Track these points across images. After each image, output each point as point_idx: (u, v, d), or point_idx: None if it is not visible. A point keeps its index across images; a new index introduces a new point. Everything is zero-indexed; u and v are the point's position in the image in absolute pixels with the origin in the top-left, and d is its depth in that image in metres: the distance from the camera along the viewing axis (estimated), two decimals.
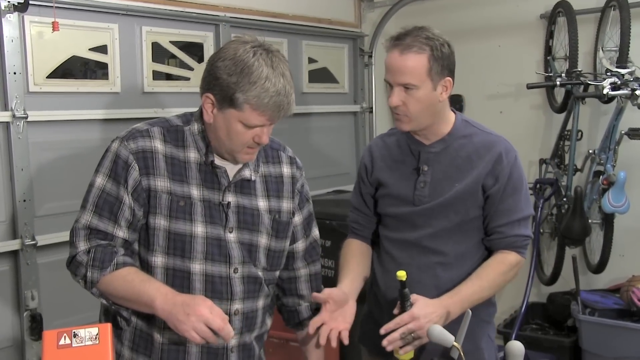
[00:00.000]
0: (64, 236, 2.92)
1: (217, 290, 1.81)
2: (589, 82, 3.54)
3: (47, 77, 2.90)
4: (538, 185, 3.89)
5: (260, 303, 1.92)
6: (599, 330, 3.42)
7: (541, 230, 3.94)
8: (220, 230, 1.81)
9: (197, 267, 1.79)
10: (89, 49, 3.05)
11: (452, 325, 1.84)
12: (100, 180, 1.77)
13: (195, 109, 3.59)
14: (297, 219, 1.99)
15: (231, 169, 1.84)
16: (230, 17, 3.65)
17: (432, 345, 1.86)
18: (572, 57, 3.79)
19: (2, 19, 2.71)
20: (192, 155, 1.81)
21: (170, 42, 3.41)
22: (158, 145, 1.78)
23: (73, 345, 1.50)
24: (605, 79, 3.39)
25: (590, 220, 3.67)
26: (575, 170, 3.87)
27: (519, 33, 4.29)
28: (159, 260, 1.78)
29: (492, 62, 4.30)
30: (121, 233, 1.77)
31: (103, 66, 3.14)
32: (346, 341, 1.89)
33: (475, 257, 2.07)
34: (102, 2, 3.04)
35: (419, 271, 2.03)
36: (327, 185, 4.26)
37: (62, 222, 2.96)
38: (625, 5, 3.53)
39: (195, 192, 1.79)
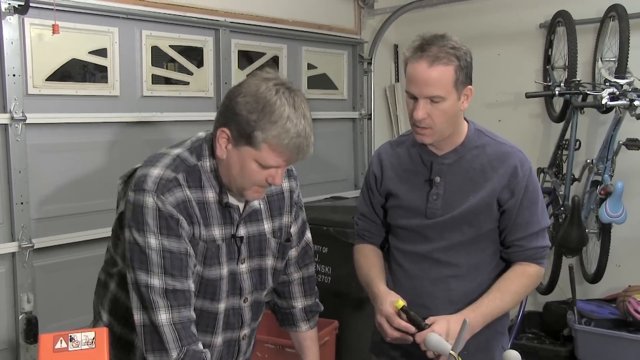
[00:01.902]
0: (61, 239, 2.95)
1: (230, 322, 1.84)
2: (588, 92, 3.55)
3: (46, 80, 2.90)
4: None
5: (260, 319, 1.98)
6: (594, 340, 3.43)
7: None
8: (234, 264, 1.81)
9: (222, 306, 1.81)
10: (89, 52, 3.05)
11: (472, 339, 1.85)
12: (154, 241, 1.66)
13: (194, 113, 3.59)
14: (293, 229, 2.00)
15: (241, 202, 1.82)
16: (230, 22, 3.65)
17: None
18: (571, 67, 3.80)
19: (2, 21, 2.70)
20: (211, 195, 1.75)
21: (169, 46, 3.41)
22: (188, 193, 1.71)
23: (69, 349, 1.50)
24: (603, 89, 3.40)
25: (587, 230, 3.68)
26: (573, 180, 3.88)
27: (518, 42, 4.31)
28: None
29: (491, 71, 4.30)
30: (192, 285, 1.72)
31: (102, 69, 3.14)
32: None
33: (489, 267, 2.04)
34: (102, 6, 3.04)
35: (431, 284, 2.01)
36: (324, 191, 4.26)
37: (59, 225, 2.96)
38: (624, 16, 3.55)
39: (217, 232, 1.76)
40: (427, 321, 1.87)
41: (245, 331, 1.89)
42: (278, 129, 1.62)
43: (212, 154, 1.75)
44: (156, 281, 1.66)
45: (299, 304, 2.06)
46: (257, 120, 1.62)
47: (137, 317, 1.69)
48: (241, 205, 1.81)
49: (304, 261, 2.07)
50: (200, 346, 1.71)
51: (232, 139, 1.67)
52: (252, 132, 1.63)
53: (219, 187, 1.76)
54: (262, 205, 1.87)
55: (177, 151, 1.76)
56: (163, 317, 1.65)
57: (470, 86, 1.92)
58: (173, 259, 1.67)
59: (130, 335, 1.83)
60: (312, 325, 2.08)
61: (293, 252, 2.02)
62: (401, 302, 1.88)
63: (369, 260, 2.12)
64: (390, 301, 1.91)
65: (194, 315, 1.72)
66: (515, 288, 1.98)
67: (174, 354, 1.65)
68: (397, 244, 2.11)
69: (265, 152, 1.65)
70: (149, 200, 1.65)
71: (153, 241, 1.66)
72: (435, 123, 1.89)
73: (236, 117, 1.65)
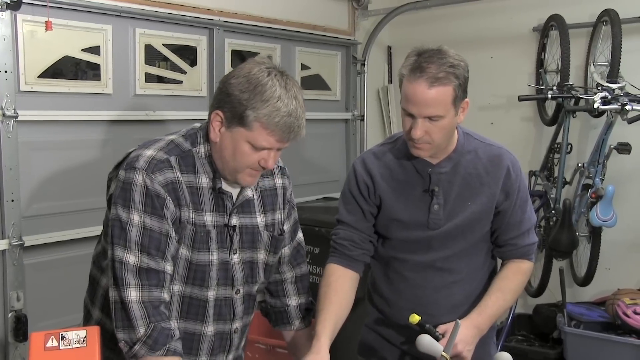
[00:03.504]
0: (51, 237, 2.94)
1: (222, 313, 1.85)
2: (580, 96, 3.57)
3: (38, 77, 2.88)
4: None
5: (253, 315, 1.97)
6: (583, 342, 3.45)
7: None
8: (226, 253, 1.82)
9: (211, 294, 1.81)
10: (82, 50, 3.04)
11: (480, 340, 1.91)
12: (137, 218, 1.68)
13: (187, 112, 3.59)
14: (286, 227, 2.00)
15: (234, 191, 1.83)
16: (224, 21, 3.65)
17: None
18: (564, 71, 3.82)
19: None
20: (204, 181, 1.77)
21: (163, 44, 3.40)
22: (179, 175, 1.73)
23: (60, 347, 1.50)
24: (596, 93, 3.42)
25: (577, 233, 3.69)
26: (564, 183, 3.89)
27: (511, 45, 4.32)
28: (176, 288, 1.77)
29: (484, 74, 4.30)
30: (169, 268, 1.72)
31: (95, 67, 3.12)
32: None
33: (484, 267, 2.07)
34: (96, 3, 3.02)
35: (434, 292, 2.01)
36: (316, 192, 4.26)
37: (50, 223, 2.95)
38: (616, 21, 3.57)
39: (209, 218, 1.78)
40: (439, 329, 1.88)
41: (237, 324, 1.89)
42: (269, 108, 1.64)
43: (207, 140, 1.77)
44: (131, 258, 1.67)
45: (293, 301, 2.04)
46: (249, 99, 1.65)
47: (111, 293, 1.70)
48: (235, 194, 1.82)
49: (297, 260, 2.06)
50: (171, 324, 1.71)
51: (225, 121, 1.69)
52: (244, 112, 1.66)
53: (212, 172, 1.78)
54: (255, 198, 1.88)
55: (171, 137, 1.79)
56: (132, 294, 1.66)
57: (467, 99, 1.91)
58: (152, 238, 1.68)
59: None
60: (307, 324, 2.06)
61: (286, 251, 2.02)
62: (417, 317, 1.88)
63: (327, 298, 1.96)
64: (316, 351, 1.82)
65: (167, 298, 1.72)
66: (514, 286, 2.03)
67: (142, 331, 1.66)
68: (395, 253, 2.06)
69: (257, 132, 1.67)
70: (139, 178, 1.68)
71: (136, 218, 1.68)
72: (433, 139, 1.88)
73: (229, 98, 1.68)
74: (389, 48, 4.90)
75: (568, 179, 3.93)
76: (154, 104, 3.34)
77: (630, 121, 3.35)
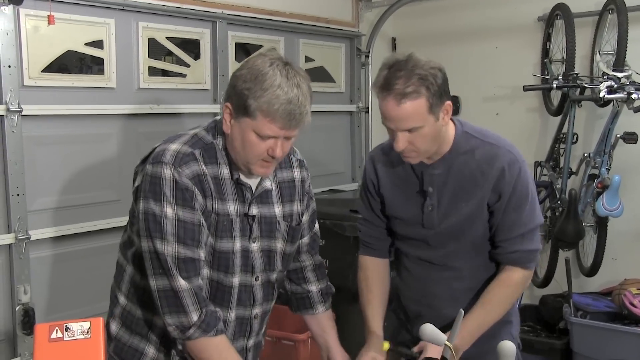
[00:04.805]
0: (57, 231, 2.95)
1: (242, 298, 1.90)
2: (586, 85, 3.54)
3: (42, 71, 2.89)
4: None
5: (273, 303, 2.03)
6: (590, 333, 3.44)
7: None
8: (246, 241, 1.88)
9: (236, 280, 1.87)
10: (85, 44, 3.04)
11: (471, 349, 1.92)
12: (170, 211, 1.73)
13: (191, 106, 3.60)
14: (305, 218, 2.05)
15: (253, 182, 1.88)
16: (228, 14, 3.64)
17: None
18: (569, 60, 3.79)
19: None
20: (225, 172, 1.83)
21: (166, 38, 3.39)
22: (204, 167, 1.79)
23: (65, 338, 1.51)
24: (601, 83, 3.39)
25: (584, 224, 3.68)
26: (570, 174, 3.88)
27: (516, 35, 4.30)
28: (204, 272, 1.82)
29: (489, 64, 4.30)
30: (203, 254, 1.79)
31: (99, 61, 3.13)
32: None
33: (490, 266, 2.05)
34: None
35: (435, 285, 2.06)
36: (322, 184, 4.25)
37: (55, 217, 2.96)
38: (623, 9, 3.54)
39: (232, 207, 1.83)
40: (416, 349, 1.94)
41: (257, 310, 1.95)
42: (268, 96, 1.69)
43: (222, 133, 1.83)
44: (170, 249, 1.74)
45: (314, 287, 2.13)
46: (250, 89, 1.70)
47: (153, 282, 1.76)
48: (254, 185, 1.87)
49: (314, 249, 2.14)
50: (212, 306, 1.80)
51: (233, 112, 1.75)
52: (246, 101, 1.71)
53: (230, 164, 1.83)
54: (273, 189, 1.93)
55: (194, 131, 1.86)
56: (182, 282, 1.73)
57: (448, 101, 1.88)
58: (186, 229, 1.74)
59: (148, 316, 1.88)
60: (328, 307, 2.15)
61: (305, 240, 2.08)
62: (387, 345, 1.97)
63: (369, 290, 2.14)
64: (375, 348, 2.01)
65: (202, 283, 1.80)
66: (497, 299, 2.00)
67: (195, 316, 1.74)
68: (402, 247, 2.15)
69: (260, 121, 1.71)
70: (167, 172, 1.73)
71: (169, 211, 1.73)
72: (418, 147, 1.88)
73: (234, 90, 1.74)
74: (394, 39, 4.88)
75: (574, 169, 3.91)
76: (157, 98, 3.34)
77: (637, 110, 3.33)
